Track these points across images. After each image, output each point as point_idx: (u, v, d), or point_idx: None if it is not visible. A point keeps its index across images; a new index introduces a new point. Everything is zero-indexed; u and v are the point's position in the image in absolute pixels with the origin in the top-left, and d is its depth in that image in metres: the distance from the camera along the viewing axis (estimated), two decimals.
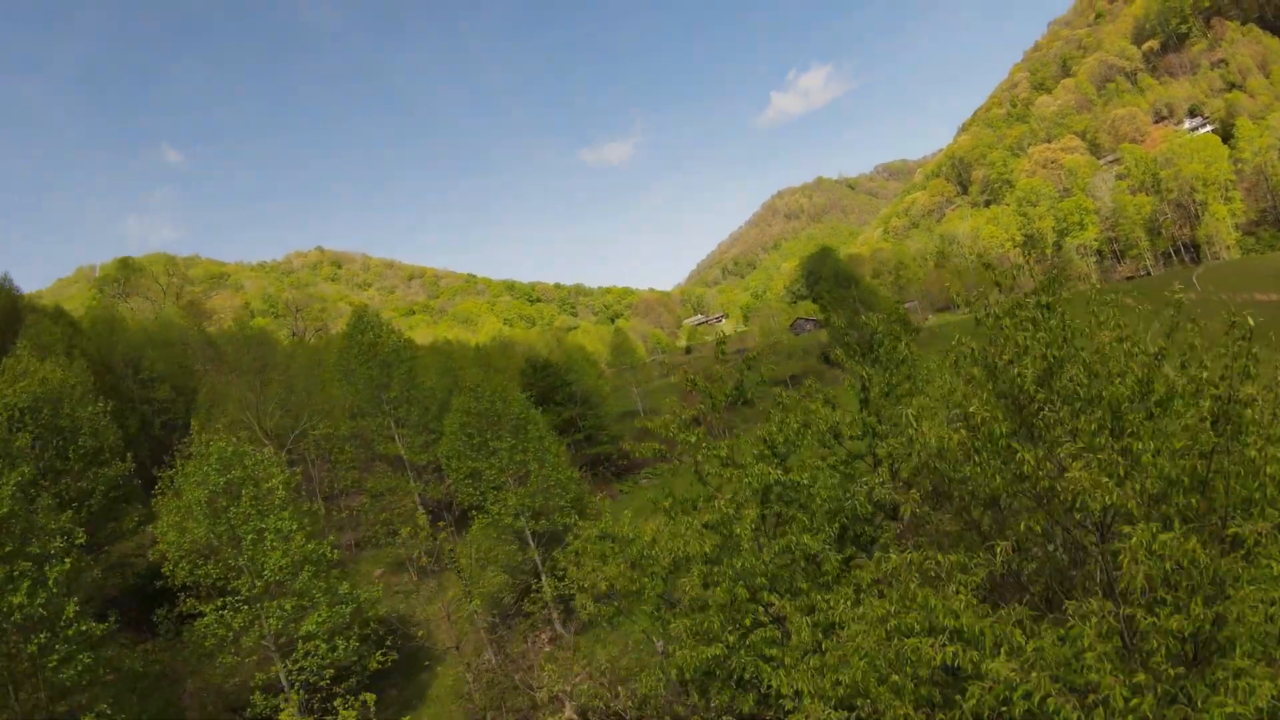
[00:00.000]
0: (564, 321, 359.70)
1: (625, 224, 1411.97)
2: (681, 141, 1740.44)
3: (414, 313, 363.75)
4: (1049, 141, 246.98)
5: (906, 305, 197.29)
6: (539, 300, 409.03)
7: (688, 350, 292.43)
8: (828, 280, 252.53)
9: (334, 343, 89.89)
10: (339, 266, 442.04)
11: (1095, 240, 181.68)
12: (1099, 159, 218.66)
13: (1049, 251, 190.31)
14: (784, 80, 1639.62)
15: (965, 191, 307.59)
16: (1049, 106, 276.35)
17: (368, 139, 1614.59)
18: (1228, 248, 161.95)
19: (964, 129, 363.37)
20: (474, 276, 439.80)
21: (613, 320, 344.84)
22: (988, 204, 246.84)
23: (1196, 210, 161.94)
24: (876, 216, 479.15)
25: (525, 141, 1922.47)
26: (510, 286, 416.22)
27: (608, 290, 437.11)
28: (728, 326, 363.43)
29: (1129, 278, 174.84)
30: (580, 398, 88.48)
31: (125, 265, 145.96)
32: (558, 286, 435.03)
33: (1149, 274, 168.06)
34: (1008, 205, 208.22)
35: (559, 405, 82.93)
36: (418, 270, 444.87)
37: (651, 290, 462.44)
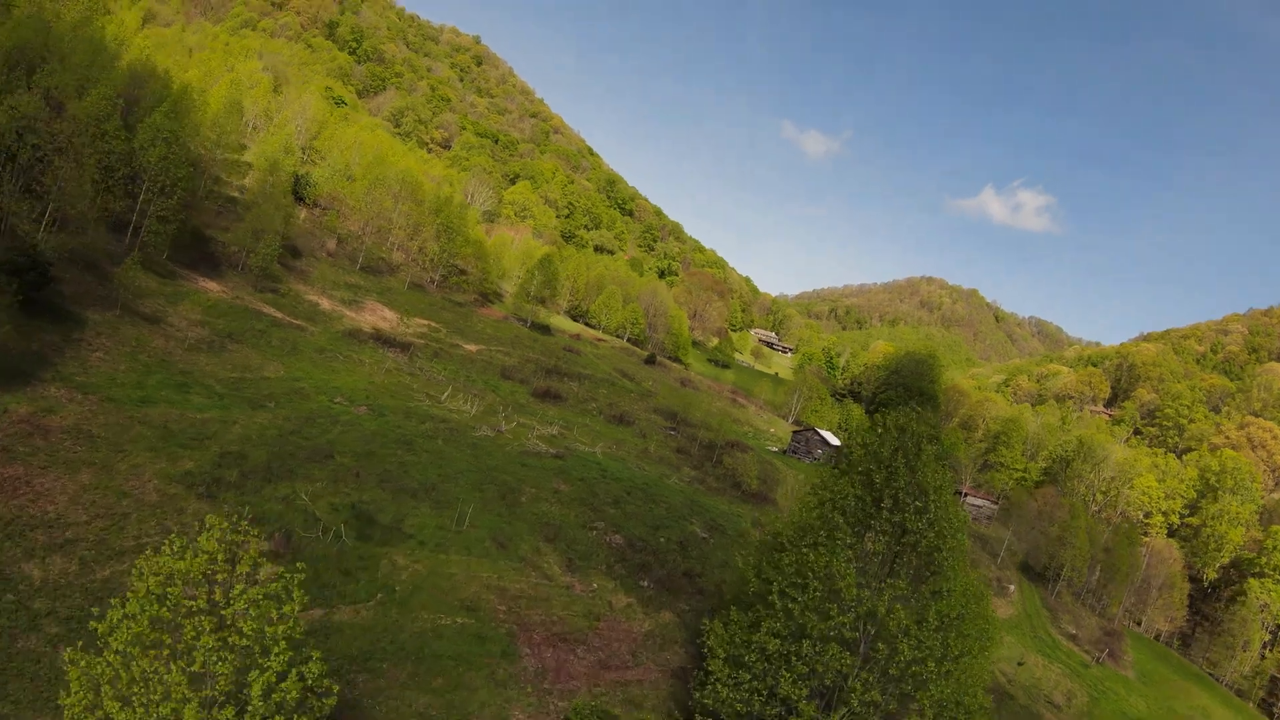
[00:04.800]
0: (596, 238, 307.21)
1: (769, 207, 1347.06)
2: (876, 173, 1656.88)
3: (489, 139, 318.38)
4: (1260, 414, 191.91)
5: (978, 505, 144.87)
6: (630, 214, 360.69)
7: (718, 364, 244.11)
8: (906, 389, 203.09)
9: None
10: (478, 64, 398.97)
11: None
12: None
13: (1210, 568, 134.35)
14: (1006, 184, 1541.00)
15: (1113, 402, 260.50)
16: (1278, 379, 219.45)
17: None
18: None
19: (1148, 338, 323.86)
20: (588, 152, 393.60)
21: (661, 275, 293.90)
22: (1150, 442, 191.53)
23: None
24: (1002, 363, 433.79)
25: (737, 78, 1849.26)
26: (611, 182, 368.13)
27: (700, 249, 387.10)
28: (784, 363, 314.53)
29: None
30: None
31: None
32: (658, 213, 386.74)
33: None
34: (1188, 463, 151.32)
35: None
36: (545, 114, 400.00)
37: (748, 281, 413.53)
